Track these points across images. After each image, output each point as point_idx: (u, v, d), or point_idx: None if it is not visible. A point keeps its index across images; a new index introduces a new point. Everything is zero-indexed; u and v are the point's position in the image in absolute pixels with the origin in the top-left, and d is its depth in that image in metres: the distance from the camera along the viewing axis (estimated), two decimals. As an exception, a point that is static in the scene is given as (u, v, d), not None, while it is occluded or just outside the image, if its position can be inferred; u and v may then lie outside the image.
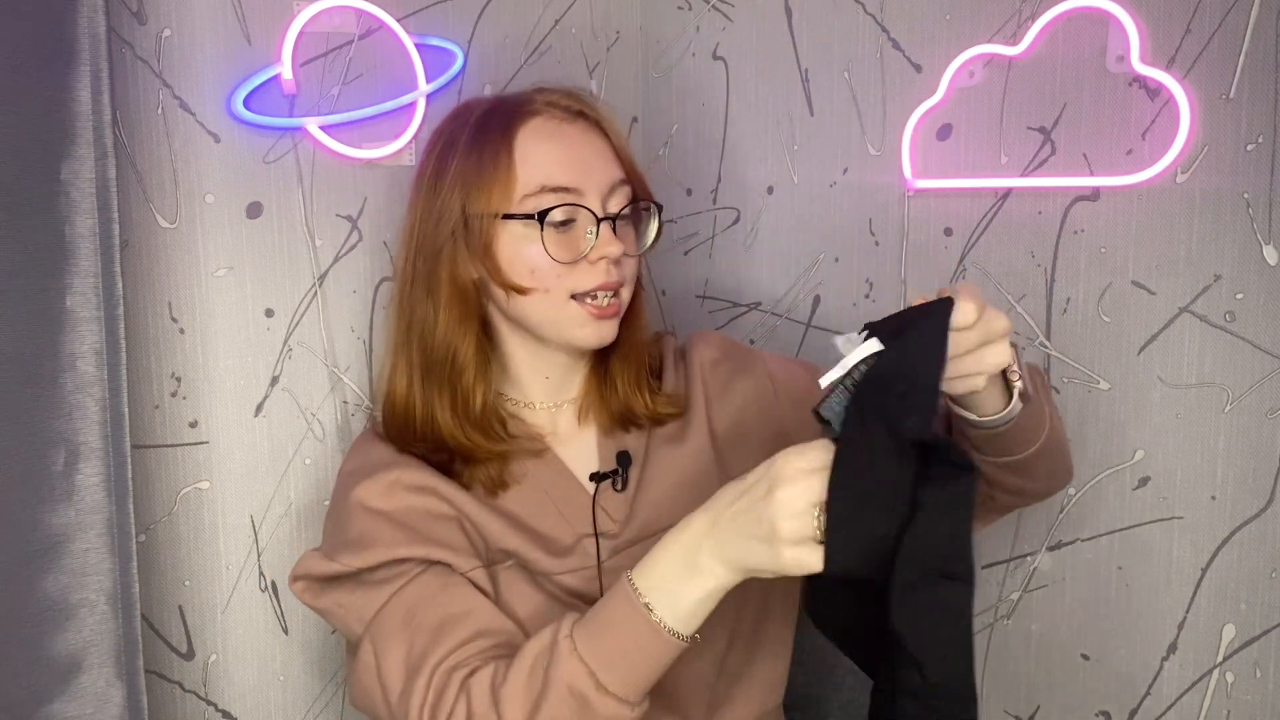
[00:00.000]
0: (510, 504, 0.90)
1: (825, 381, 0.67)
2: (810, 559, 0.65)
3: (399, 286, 0.93)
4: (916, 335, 0.64)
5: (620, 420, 0.95)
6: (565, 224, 0.87)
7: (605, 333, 0.89)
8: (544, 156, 0.87)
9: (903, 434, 0.61)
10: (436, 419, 0.89)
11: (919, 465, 0.63)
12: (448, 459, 0.90)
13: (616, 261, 0.88)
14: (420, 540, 0.84)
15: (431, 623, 0.80)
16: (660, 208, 0.94)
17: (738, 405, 0.98)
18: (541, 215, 0.85)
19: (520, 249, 0.87)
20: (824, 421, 0.67)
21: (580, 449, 0.95)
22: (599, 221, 0.87)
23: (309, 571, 0.86)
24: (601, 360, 0.97)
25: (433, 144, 0.92)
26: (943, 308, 0.65)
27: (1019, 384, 0.76)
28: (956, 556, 0.63)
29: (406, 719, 0.76)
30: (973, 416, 0.77)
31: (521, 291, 0.87)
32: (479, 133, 0.88)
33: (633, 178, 0.92)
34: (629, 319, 0.95)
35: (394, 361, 0.93)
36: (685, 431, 0.95)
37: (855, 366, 0.66)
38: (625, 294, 0.91)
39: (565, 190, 0.86)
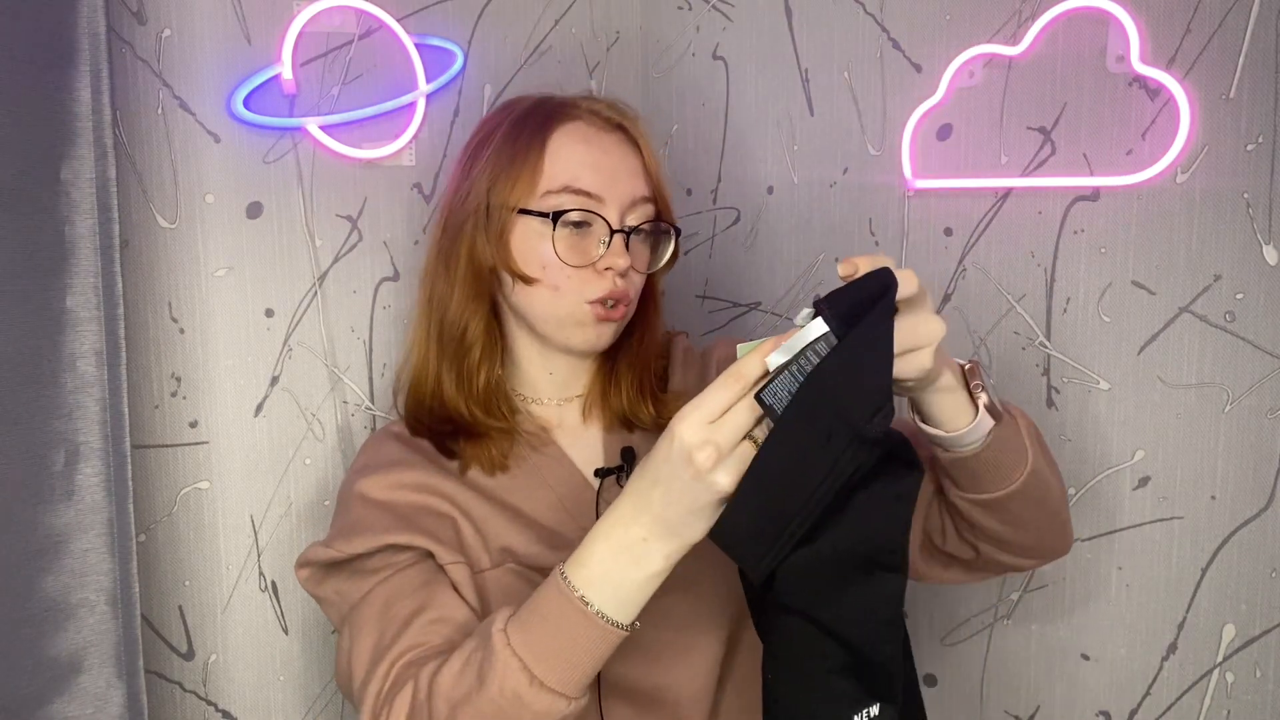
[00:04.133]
0: (513, 498, 0.91)
1: (773, 363, 0.64)
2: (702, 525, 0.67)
3: (427, 258, 0.97)
4: (866, 325, 0.62)
5: (623, 421, 0.97)
6: (580, 226, 0.88)
7: (602, 337, 0.90)
8: (573, 158, 0.88)
9: (867, 433, 0.62)
10: (443, 388, 0.93)
11: (870, 461, 0.65)
12: (450, 431, 0.93)
13: (623, 274, 0.89)
14: (409, 527, 0.85)
15: (404, 615, 0.81)
16: (679, 232, 0.94)
17: None
18: (556, 216, 0.87)
19: (534, 243, 0.88)
20: (765, 405, 0.64)
21: (586, 444, 0.96)
22: (612, 233, 0.88)
23: (312, 559, 0.88)
24: (609, 359, 0.98)
25: (476, 130, 0.95)
26: (883, 280, 0.63)
27: (984, 396, 0.75)
28: (889, 549, 0.67)
29: (364, 703, 0.78)
30: (940, 433, 0.75)
31: (528, 281, 0.88)
32: (518, 125, 0.90)
33: (658, 198, 0.92)
34: (640, 326, 0.97)
35: (416, 328, 0.97)
36: None
37: (803, 350, 0.63)
38: (627, 309, 0.92)
39: (587, 195, 0.87)
